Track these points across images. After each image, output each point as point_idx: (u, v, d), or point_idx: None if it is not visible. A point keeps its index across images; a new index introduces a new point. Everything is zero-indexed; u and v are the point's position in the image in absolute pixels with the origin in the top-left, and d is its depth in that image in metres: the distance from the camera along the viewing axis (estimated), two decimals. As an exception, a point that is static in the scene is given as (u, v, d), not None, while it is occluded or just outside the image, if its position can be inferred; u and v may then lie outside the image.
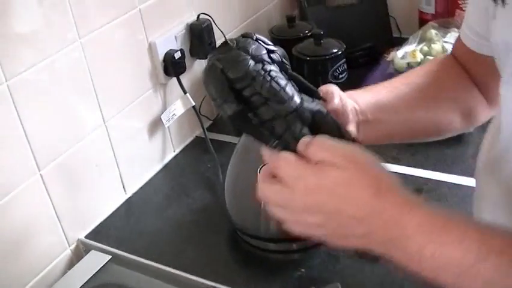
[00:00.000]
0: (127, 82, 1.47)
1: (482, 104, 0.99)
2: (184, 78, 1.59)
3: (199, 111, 1.66)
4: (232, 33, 1.77)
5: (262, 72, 0.72)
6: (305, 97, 0.77)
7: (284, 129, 0.73)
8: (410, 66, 1.65)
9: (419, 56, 1.65)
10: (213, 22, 1.62)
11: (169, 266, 1.26)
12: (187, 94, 1.60)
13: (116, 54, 1.42)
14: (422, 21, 1.92)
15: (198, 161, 1.61)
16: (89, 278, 1.27)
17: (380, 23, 1.97)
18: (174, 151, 1.67)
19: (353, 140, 0.80)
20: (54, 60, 1.24)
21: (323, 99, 0.81)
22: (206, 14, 1.62)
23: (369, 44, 1.90)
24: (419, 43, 1.72)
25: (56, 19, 1.24)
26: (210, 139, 1.63)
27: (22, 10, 1.17)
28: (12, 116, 1.18)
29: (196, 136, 1.72)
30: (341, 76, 1.64)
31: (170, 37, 1.55)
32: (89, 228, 1.41)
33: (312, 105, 0.76)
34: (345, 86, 1.62)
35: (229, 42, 0.74)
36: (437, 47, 1.66)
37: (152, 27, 1.50)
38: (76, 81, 1.32)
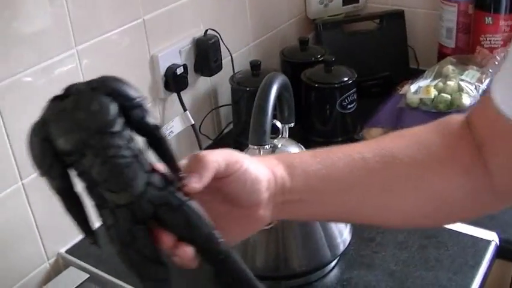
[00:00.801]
0: None
1: (484, 194, 0.76)
2: (185, 94, 1.54)
3: (200, 130, 1.60)
4: (240, 52, 1.72)
5: (97, 149, 0.56)
6: (157, 179, 0.60)
7: (111, 223, 0.59)
8: (422, 102, 1.59)
9: (433, 93, 1.58)
10: (220, 39, 1.57)
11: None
12: (187, 112, 1.54)
13: (115, 64, 1.36)
14: (441, 54, 1.86)
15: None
16: (65, 296, 1.22)
17: (397, 52, 1.91)
18: None
19: (216, 251, 0.63)
20: (48, 66, 1.20)
21: (181, 180, 0.63)
22: (214, 30, 1.56)
23: (384, 74, 1.84)
24: (434, 78, 1.65)
25: (59, 22, 1.21)
26: (208, 160, 1.57)
27: (20, 12, 1.13)
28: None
29: (195, 156, 1.65)
30: (349, 106, 1.57)
31: (174, 51, 1.50)
32: (70, 243, 1.35)
33: (164, 192, 0.60)
34: (353, 117, 1.62)
35: (68, 96, 0.58)
36: (452, 84, 1.59)
37: (156, 39, 1.45)
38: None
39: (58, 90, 1.21)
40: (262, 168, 0.71)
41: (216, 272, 0.65)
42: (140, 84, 1.45)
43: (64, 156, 0.57)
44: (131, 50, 1.40)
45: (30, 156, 0.58)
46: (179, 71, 1.48)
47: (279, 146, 1.14)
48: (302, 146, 1.19)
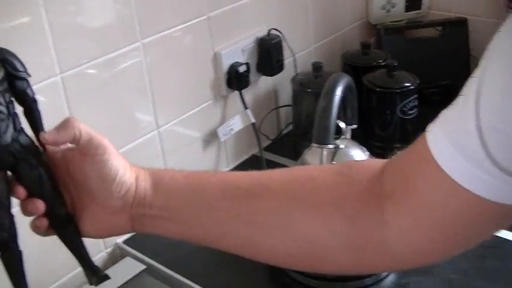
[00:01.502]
0: (187, 90, 1.43)
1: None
2: (246, 93, 1.55)
3: (259, 129, 1.60)
4: (302, 54, 1.72)
5: None
6: (24, 139, 0.68)
7: None
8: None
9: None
10: (283, 39, 1.57)
11: (200, 286, 1.21)
12: (248, 110, 1.55)
13: (178, 60, 1.38)
14: (504, 64, 1.82)
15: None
16: (120, 286, 1.24)
17: (459, 60, 1.88)
18: (228, 167, 1.61)
19: (58, 214, 0.71)
20: (113, 58, 1.22)
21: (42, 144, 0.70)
22: (277, 30, 1.57)
23: (446, 82, 1.81)
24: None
25: (122, 16, 1.22)
26: (267, 159, 1.58)
27: (88, 4, 1.15)
28: (62, 109, 1.16)
29: (253, 154, 1.66)
30: (410, 112, 1.56)
31: (237, 49, 1.50)
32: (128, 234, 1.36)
33: (26, 151, 0.68)
34: (413, 124, 1.60)
35: None
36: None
37: (220, 37, 1.46)
38: (133, 82, 1.30)
39: (124, 81, 1.24)
40: (124, 175, 0.71)
41: (58, 236, 0.72)
42: (203, 81, 1.47)
43: None
44: (194, 46, 1.41)
45: None
46: (242, 69, 1.49)
47: (342, 146, 1.14)
48: (365, 148, 1.19)
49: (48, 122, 1.12)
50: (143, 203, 0.72)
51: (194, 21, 1.38)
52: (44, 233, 0.71)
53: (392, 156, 0.68)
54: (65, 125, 0.68)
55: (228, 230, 0.72)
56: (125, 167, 0.72)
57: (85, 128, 0.69)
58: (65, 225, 0.71)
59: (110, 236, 0.76)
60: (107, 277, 0.74)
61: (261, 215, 0.70)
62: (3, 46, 0.66)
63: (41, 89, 1.11)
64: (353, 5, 1.93)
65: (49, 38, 1.11)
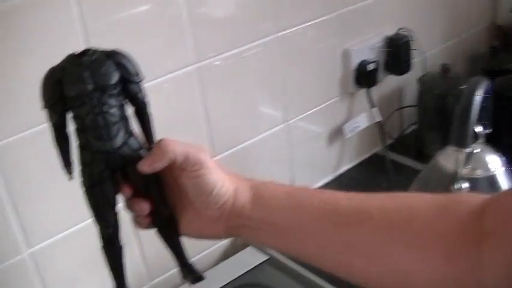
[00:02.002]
0: (315, 85, 1.44)
1: None
2: (373, 91, 1.54)
3: (383, 128, 1.60)
4: (431, 53, 1.70)
5: (95, 102, 0.68)
6: (133, 142, 0.72)
7: (88, 163, 0.70)
8: None
9: None
10: (411, 39, 1.56)
11: (322, 278, 1.21)
12: (376, 108, 1.54)
13: (306, 56, 1.39)
14: None
15: (373, 178, 1.56)
16: (241, 274, 1.26)
17: None
18: (350, 164, 1.62)
19: (162, 213, 0.75)
20: (243, 50, 1.24)
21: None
22: (406, 30, 1.55)
23: None
24: None
25: (252, 10, 1.24)
26: (390, 159, 1.57)
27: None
28: (194, 98, 1.20)
29: (375, 153, 1.65)
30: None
31: (366, 47, 1.50)
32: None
33: (135, 154, 0.71)
34: None
35: (85, 55, 0.69)
36: None
37: (349, 34, 1.46)
38: (262, 75, 1.31)
39: (253, 74, 1.26)
40: (221, 188, 0.73)
41: (159, 233, 0.76)
42: (330, 77, 1.47)
43: (67, 99, 0.68)
44: (324, 42, 1.42)
45: (41, 92, 0.68)
46: (370, 67, 1.49)
47: (477, 150, 1.12)
48: (500, 154, 1.16)
49: (182, 112, 1.15)
50: (241, 214, 0.74)
51: (324, 17, 1.39)
52: (145, 229, 0.76)
53: (495, 194, 0.66)
54: (160, 149, 0.70)
55: (326, 251, 0.72)
56: (223, 180, 0.74)
57: (181, 147, 0.71)
58: (166, 224, 0.75)
59: (206, 239, 0.79)
60: (202, 278, 0.77)
61: (361, 241, 0.70)
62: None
63: (176, 78, 1.15)
64: (480, 7, 1.90)
65: (187, 27, 1.14)
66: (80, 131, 0.69)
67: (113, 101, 0.69)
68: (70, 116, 0.69)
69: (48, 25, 0.95)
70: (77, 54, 0.69)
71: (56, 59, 0.68)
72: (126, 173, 0.72)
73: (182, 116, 1.19)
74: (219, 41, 1.20)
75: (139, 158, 0.71)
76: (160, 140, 0.71)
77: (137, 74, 0.71)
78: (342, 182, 1.56)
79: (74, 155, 0.71)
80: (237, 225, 0.75)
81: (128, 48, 0.71)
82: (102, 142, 0.69)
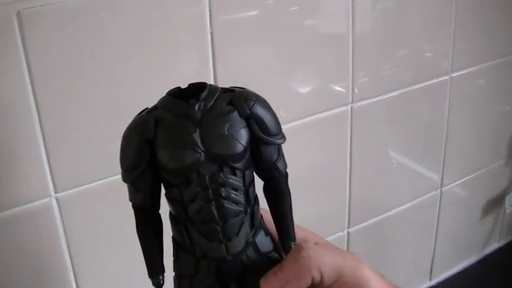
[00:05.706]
0: (480, 143, 1.16)
1: None
2: None
3: None
4: None
5: (207, 181, 0.43)
6: (261, 239, 0.48)
7: (189, 272, 0.47)
8: None
9: None
10: None
11: None
12: None
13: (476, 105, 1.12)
14: None
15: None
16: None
17: None
18: (498, 242, 1.33)
19: None
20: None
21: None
22: None
23: None
24: None
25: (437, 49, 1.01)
26: None
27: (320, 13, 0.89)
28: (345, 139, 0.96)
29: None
30: None
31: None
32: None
33: (263, 259, 0.48)
34: None
35: (198, 98, 0.44)
36: None
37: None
38: (434, 117, 1.06)
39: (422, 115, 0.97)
40: None
41: None
42: (499, 134, 1.20)
43: (161, 171, 0.44)
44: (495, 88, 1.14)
45: (121, 155, 0.45)
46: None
47: None
48: None
49: (321, 162, 0.92)
50: None
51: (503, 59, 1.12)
52: None
53: None
54: (297, 265, 0.47)
55: None
56: None
57: (330, 259, 0.48)
58: None
59: None
60: None
61: None
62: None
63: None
64: None
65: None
66: (178, 223, 0.46)
67: (235, 181, 0.44)
68: (164, 197, 0.46)
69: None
70: (180, 92, 0.45)
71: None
72: (242, 283, 0.49)
73: (321, 167, 0.93)
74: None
75: (269, 264, 0.48)
76: (299, 250, 0.48)
77: (279, 133, 0.47)
78: (489, 265, 1.27)
79: (167, 256, 0.48)
80: None
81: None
82: (215, 244, 0.45)
